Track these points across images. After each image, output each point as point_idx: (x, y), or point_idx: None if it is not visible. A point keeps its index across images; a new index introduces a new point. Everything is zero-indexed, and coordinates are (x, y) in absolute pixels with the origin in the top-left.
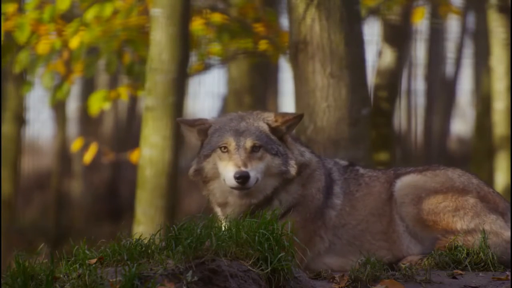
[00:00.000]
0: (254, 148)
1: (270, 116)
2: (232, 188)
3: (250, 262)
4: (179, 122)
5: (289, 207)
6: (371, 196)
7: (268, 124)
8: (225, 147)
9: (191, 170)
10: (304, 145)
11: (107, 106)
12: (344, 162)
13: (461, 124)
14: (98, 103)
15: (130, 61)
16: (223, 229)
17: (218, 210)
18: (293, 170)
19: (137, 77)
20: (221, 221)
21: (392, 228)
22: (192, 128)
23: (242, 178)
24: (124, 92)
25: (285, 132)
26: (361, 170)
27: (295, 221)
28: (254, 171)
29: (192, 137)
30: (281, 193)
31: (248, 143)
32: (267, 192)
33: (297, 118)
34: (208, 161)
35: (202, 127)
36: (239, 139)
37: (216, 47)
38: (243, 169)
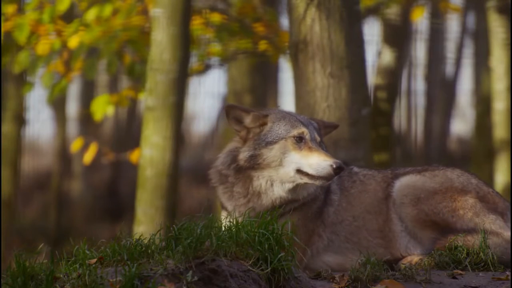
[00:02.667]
0: (320, 143)
1: (319, 121)
2: (321, 177)
3: (250, 262)
4: (230, 108)
5: (302, 204)
6: (367, 193)
7: (318, 124)
8: (300, 138)
9: (245, 155)
10: None
11: (110, 110)
12: None
13: (461, 124)
14: (101, 108)
15: (131, 62)
16: (224, 225)
17: (230, 204)
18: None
19: (138, 78)
20: (223, 218)
21: (388, 227)
22: (247, 114)
23: (340, 169)
24: (124, 98)
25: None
26: (355, 169)
27: (296, 220)
28: None
29: (236, 125)
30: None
31: (318, 138)
32: (312, 190)
33: (336, 126)
34: (271, 148)
35: (258, 114)
36: (311, 131)
37: (216, 47)
38: (337, 160)
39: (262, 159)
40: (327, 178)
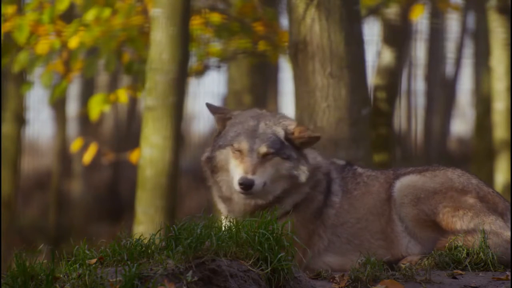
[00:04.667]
0: (267, 154)
1: (291, 125)
2: (237, 191)
3: (250, 262)
4: (206, 105)
5: (294, 205)
6: (370, 195)
7: (285, 132)
8: (238, 148)
9: (204, 157)
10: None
11: (107, 109)
12: (341, 162)
13: (461, 124)
14: (98, 106)
15: (129, 60)
16: (224, 225)
17: (221, 207)
18: (303, 175)
19: (136, 76)
20: (223, 218)
21: (390, 228)
22: (213, 114)
23: (245, 185)
24: (123, 95)
25: (299, 146)
26: (359, 170)
27: (295, 221)
28: (261, 177)
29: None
30: (293, 194)
31: (262, 148)
32: (275, 194)
33: (313, 138)
34: (222, 152)
35: (222, 116)
36: (254, 142)
37: (215, 47)
38: (249, 176)
39: (216, 162)
40: (238, 191)
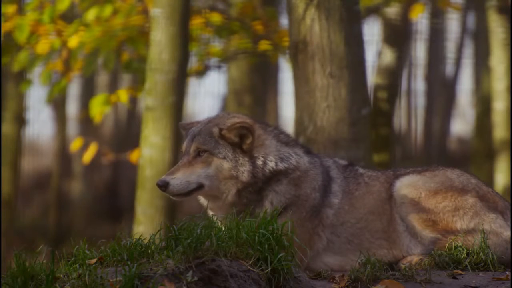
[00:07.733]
0: (199, 152)
1: (227, 122)
2: None
3: (250, 262)
4: (180, 126)
5: (283, 207)
6: (371, 195)
7: (220, 129)
8: (181, 151)
9: None
10: (299, 146)
11: (107, 109)
12: (343, 162)
13: (461, 124)
14: (99, 108)
15: (129, 59)
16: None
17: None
18: (242, 175)
19: (136, 76)
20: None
21: (392, 228)
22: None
23: (159, 186)
24: (124, 95)
25: (238, 141)
26: (361, 170)
27: (295, 220)
28: (184, 177)
29: None
30: (270, 194)
31: (193, 147)
32: (229, 194)
33: (243, 124)
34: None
35: (184, 127)
36: (190, 143)
37: (215, 47)
38: (167, 178)
39: None
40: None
